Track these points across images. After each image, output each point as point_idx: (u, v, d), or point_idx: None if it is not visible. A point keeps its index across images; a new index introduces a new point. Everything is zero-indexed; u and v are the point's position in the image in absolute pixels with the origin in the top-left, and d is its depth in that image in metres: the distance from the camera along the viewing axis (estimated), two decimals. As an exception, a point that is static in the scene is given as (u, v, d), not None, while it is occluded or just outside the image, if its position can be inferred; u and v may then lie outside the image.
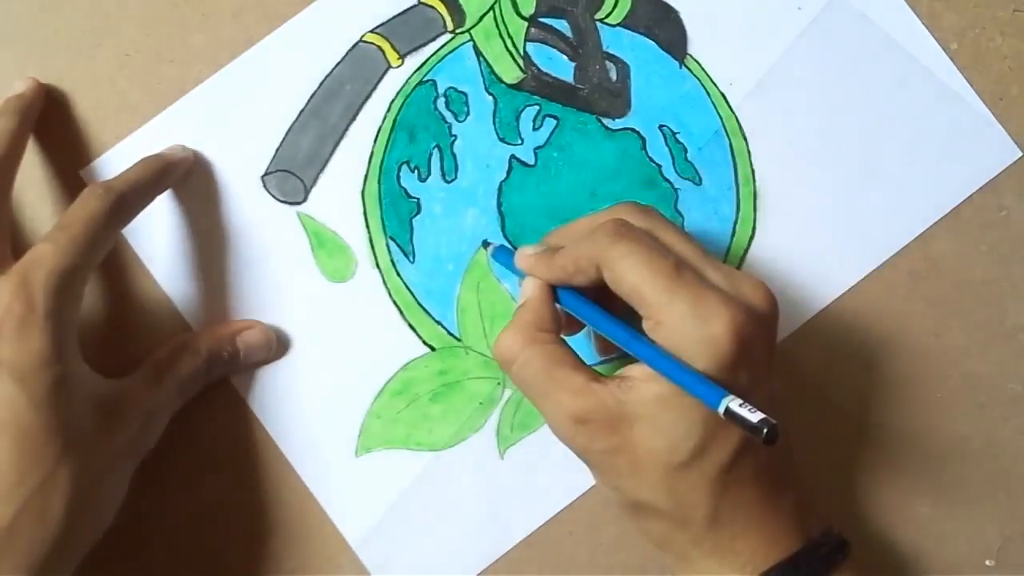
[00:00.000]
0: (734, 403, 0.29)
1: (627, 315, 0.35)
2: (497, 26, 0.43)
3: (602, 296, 0.35)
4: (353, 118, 0.43)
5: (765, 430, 0.29)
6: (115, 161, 0.42)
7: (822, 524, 0.36)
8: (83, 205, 0.36)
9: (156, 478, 0.40)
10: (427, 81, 0.43)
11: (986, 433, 0.43)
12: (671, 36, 0.44)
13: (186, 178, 0.42)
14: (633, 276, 0.33)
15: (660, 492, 0.33)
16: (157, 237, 0.42)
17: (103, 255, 0.37)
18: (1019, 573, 0.43)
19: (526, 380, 0.35)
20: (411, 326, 0.42)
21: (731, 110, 0.44)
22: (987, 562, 0.43)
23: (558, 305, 0.37)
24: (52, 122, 0.42)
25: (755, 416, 0.29)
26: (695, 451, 0.32)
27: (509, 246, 0.42)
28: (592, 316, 0.36)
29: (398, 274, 0.42)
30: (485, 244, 0.42)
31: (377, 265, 0.42)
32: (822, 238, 0.43)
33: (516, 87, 0.43)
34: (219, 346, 0.40)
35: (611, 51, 0.44)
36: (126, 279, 0.42)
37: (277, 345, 0.42)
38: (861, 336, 0.43)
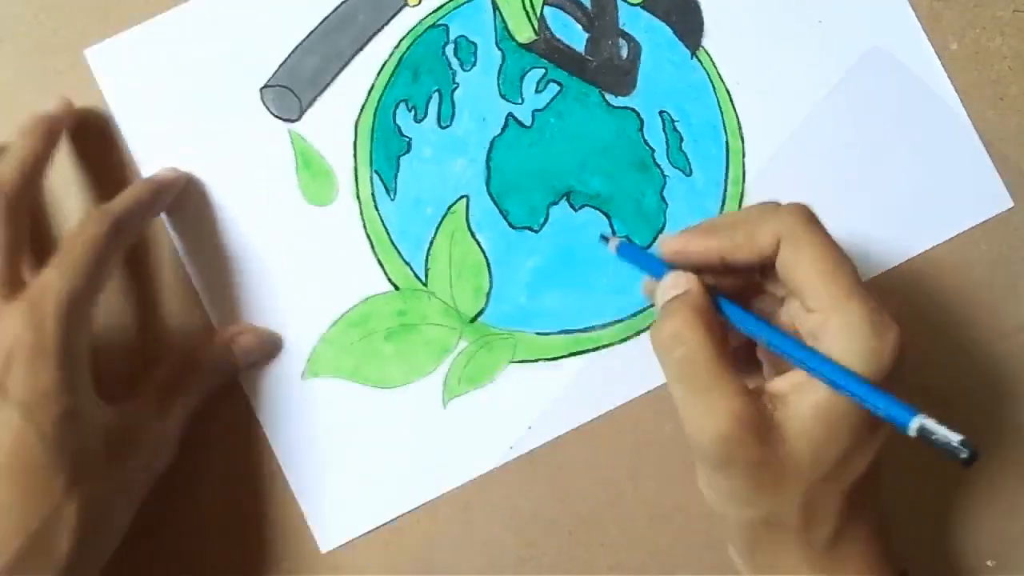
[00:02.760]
0: (929, 421, 0.28)
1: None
2: (519, -16, 0.44)
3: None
4: (360, 48, 0.43)
5: (966, 452, 0.27)
6: (121, 46, 0.42)
7: (901, 565, 0.35)
8: (82, 230, 0.36)
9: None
10: (440, 25, 0.43)
11: (986, 433, 0.43)
12: (688, 25, 0.44)
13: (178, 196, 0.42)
14: (820, 264, 0.32)
15: (795, 507, 0.32)
16: (149, 135, 0.42)
17: (108, 279, 0.37)
18: (1019, 573, 0.42)
19: (693, 367, 0.32)
20: (379, 261, 0.42)
21: (734, 109, 0.44)
22: (987, 562, 0.43)
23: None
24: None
25: (954, 436, 0.27)
26: (837, 463, 0.31)
27: (633, 241, 0.41)
28: (761, 328, 0.33)
29: (376, 208, 0.43)
30: (604, 237, 0.40)
31: (357, 196, 0.43)
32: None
33: (526, 47, 0.43)
34: (216, 358, 0.40)
35: (626, 29, 0.44)
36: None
37: (272, 344, 0.42)
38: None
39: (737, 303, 0.34)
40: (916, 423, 0.28)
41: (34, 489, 0.33)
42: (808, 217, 0.33)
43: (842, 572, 0.33)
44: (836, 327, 0.31)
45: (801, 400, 0.31)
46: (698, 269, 0.34)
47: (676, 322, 0.32)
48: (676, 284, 0.34)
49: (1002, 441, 0.43)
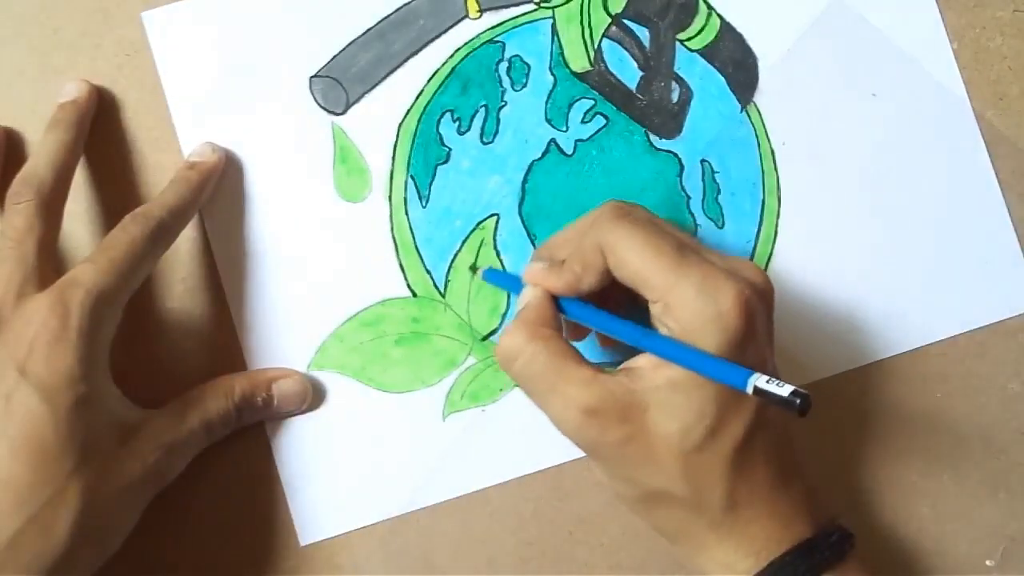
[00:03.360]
0: (760, 380, 0.29)
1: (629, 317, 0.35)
2: (581, 13, 0.43)
3: (602, 303, 0.36)
4: (415, 52, 0.43)
5: (798, 401, 0.28)
6: (180, 14, 0.42)
7: (828, 512, 0.36)
8: (124, 229, 0.37)
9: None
10: (497, 41, 0.43)
11: (986, 433, 0.43)
12: (743, 78, 0.44)
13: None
14: (637, 257, 0.33)
15: (676, 478, 0.33)
16: (193, 106, 0.42)
17: (142, 279, 0.38)
18: (1019, 573, 0.42)
19: (532, 375, 0.34)
20: (401, 266, 0.42)
21: (775, 168, 0.43)
22: (987, 562, 0.42)
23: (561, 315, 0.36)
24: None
25: (785, 390, 0.29)
26: (709, 431, 0.32)
27: (499, 268, 0.42)
28: (599, 319, 0.35)
29: (406, 213, 0.43)
30: (473, 269, 0.42)
31: (389, 198, 0.43)
32: (820, 324, 0.43)
33: (579, 76, 0.43)
34: (253, 391, 0.40)
35: (681, 73, 0.44)
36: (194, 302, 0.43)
37: (311, 397, 0.42)
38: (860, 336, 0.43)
39: (584, 300, 0.35)
40: (751, 383, 0.30)
41: (41, 468, 0.34)
42: (616, 214, 0.34)
43: (749, 533, 0.34)
44: (674, 308, 0.32)
45: (657, 375, 0.33)
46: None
47: (509, 338, 0.34)
48: (523, 298, 0.36)
49: (1002, 441, 0.43)
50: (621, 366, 0.34)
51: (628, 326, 0.34)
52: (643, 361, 0.33)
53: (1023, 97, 0.44)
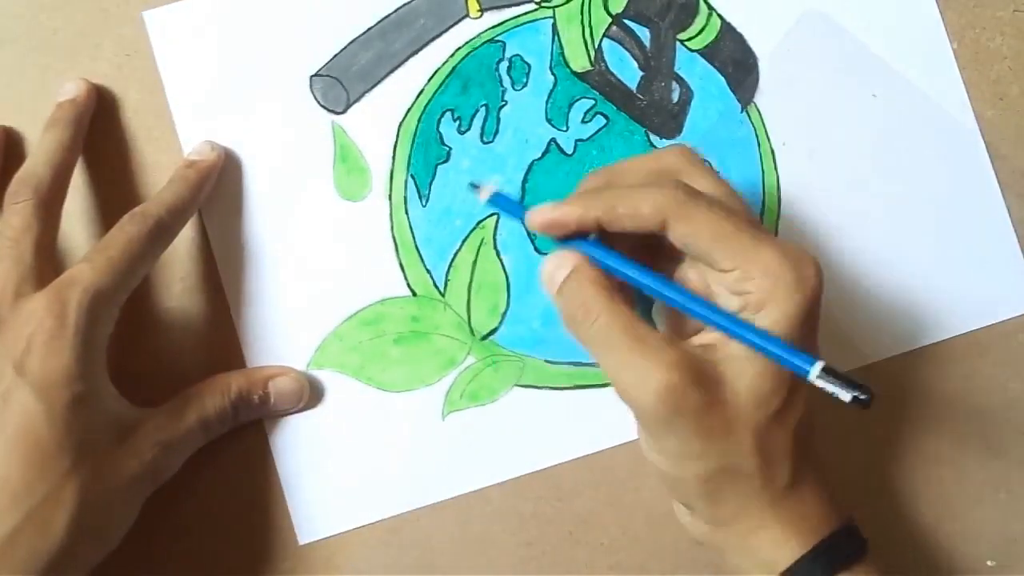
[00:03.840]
0: (821, 372, 0.30)
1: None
2: (582, 13, 0.43)
3: None
4: (416, 51, 0.43)
5: (862, 395, 0.29)
6: (181, 13, 0.42)
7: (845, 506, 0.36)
8: (122, 229, 0.38)
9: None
10: (497, 41, 0.43)
11: (986, 433, 0.43)
12: (743, 79, 0.44)
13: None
14: (716, 228, 0.32)
15: (749, 451, 0.33)
16: (194, 104, 0.42)
17: (140, 278, 0.38)
18: (1020, 573, 0.42)
19: (615, 333, 0.33)
20: (401, 265, 0.42)
21: (775, 169, 0.43)
22: (988, 562, 0.42)
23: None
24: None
25: (847, 393, 0.30)
26: (781, 406, 0.33)
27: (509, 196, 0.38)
28: (656, 284, 0.33)
29: (406, 212, 0.43)
30: (474, 185, 0.38)
31: (389, 197, 0.43)
32: (821, 324, 0.43)
33: (580, 76, 0.43)
34: (250, 389, 0.40)
35: (681, 73, 0.44)
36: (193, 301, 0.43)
37: (308, 395, 0.41)
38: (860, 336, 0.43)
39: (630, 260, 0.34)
40: (816, 368, 0.30)
41: (38, 466, 0.34)
42: (687, 192, 0.33)
43: (802, 513, 0.34)
44: (759, 275, 0.32)
45: (731, 346, 0.32)
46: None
47: (582, 298, 0.33)
48: (561, 263, 0.34)
49: (1002, 441, 0.43)
50: (693, 340, 0.34)
51: (697, 301, 0.33)
52: (712, 335, 0.33)
53: (1023, 97, 0.44)
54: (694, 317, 0.33)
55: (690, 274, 0.35)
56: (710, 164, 0.37)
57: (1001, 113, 0.44)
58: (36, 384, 0.34)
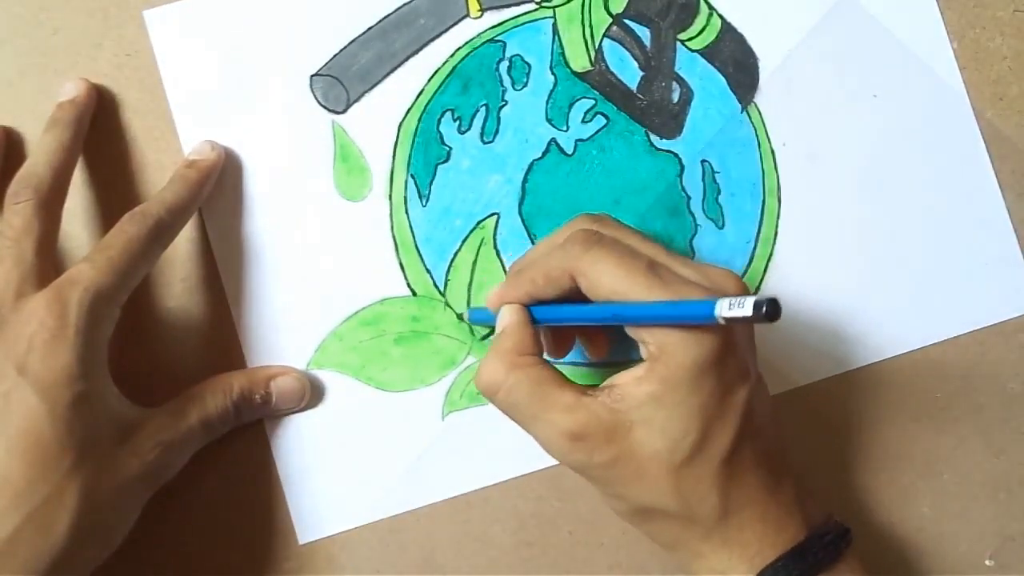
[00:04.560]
0: (723, 307, 0.29)
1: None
2: (582, 13, 0.43)
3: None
4: (416, 51, 0.43)
5: (764, 307, 0.27)
6: (181, 12, 0.42)
7: (823, 511, 0.36)
8: (122, 229, 0.38)
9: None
10: (498, 41, 0.43)
11: (986, 433, 0.43)
12: (743, 79, 0.44)
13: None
14: (611, 279, 0.33)
15: (666, 493, 0.33)
16: (194, 104, 0.42)
17: (141, 278, 0.38)
18: (1019, 573, 0.42)
19: (515, 405, 0.34)
20: (401, 264, 0.42)
21: (776, 169, 0.43)
22: (987, 562, 0.43)
23: (537, 328, 0.36)
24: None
25: (748, 301, 0.28)
26: (696, 445, 0.32)
27: (479, 307, 0.42)
28: (571, 312, 0.35)
29: (406, 212, 0.43)
30: (460, 317, 0.42)
31: (390, 197, 0.43)
32: (820, 325, 0.43)
33: (580, 76, 0.43)
34: (252, 389, 0.40)
35: (681, 73, 0.44)
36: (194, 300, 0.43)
37: (310, 394, 0.42)
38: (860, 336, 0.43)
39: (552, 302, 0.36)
40: (718, 315, 0.29)
41: (39, 467, 0.34)
42: (586, 240, 0.34)
43: (742, 540, 0.34)
44: (650, 327, 0.32)
45: (639, 391, 0.32)
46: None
47: (489, 370, 0.35)
48: (500, 322, 0.36)
49: (1002, 441, 0.43)
50: (603, 384, 0.34)
51: (602, 307, 0.34)
52: (623, 379, 0.33)
53: (1023, 97, 0.44)
54: (594, 322, 0.35)
55: None
56: (614, 218, 0.37)
57: (1001, 113, 0.44)
58: (38, 384, 0.34)
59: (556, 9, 0.43)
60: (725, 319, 0.29)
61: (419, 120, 0.43)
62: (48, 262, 0.38)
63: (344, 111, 0.43)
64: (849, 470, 0.43)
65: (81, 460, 0.34)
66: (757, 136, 0.44)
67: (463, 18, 0.43)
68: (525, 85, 0.43)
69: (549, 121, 0.43)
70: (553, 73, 0.43)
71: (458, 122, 0.43)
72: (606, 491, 0.34)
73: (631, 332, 0.34)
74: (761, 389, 0.35)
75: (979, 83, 0.44)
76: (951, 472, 0.43)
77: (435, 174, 0.43)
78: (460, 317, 0.42)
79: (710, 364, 0.32)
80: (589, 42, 0.43)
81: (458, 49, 0.43)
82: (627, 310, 0.33)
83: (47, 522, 0.34)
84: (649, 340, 0.33)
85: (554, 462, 0.42)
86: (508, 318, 0.36)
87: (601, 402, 0.33)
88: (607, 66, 0.43)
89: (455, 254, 0.43)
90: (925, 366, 0.43)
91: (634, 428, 0.32)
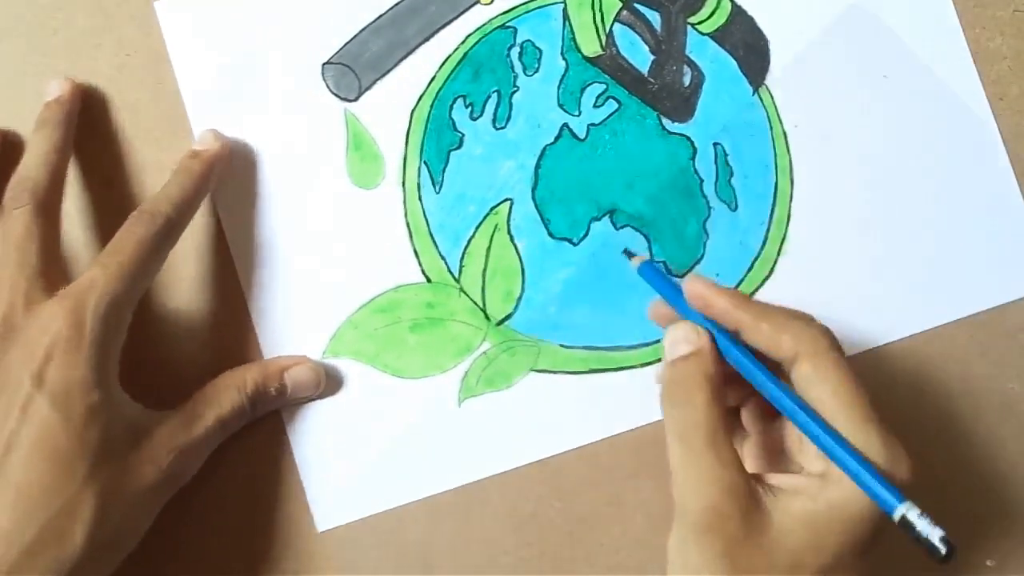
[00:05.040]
0: (912, 512, 0.29)
1: None
2: (592, -2, 0.44)
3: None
4: (427, 38, 0.43)
5: (944, 549, 0.28)
6: (188, 3, 0.42)
7: None
8: (131, 231, 0.37)
9: None
10: (508, 27, 0.43)
11: (986, 433, 0.43)
12: (754, 62, 0.44)
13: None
14: (841, 389, 0.32)
15: None
16: (205, 92, 0.42)
17: (152, 279, 0.39)
18: (1019, 573, 0.42)
19: (694, 429, 0.33)
20: (415, 251, 0.42)
21: (788, 150, 0.44)
22: (987, 562, 0.42)
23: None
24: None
25: (935, 532, 0.28)
26: (816, 572, 0.31)
27: (659, 265, 0.40)
28: (764, 381, 0.33)
29: (420, 199, 0.43)
30: (628, 252, 0.40)
31: (403, 184, 0.43)
32: (833, 305, 0.43)
33: (591, 61, 0.43)
34: (266, 382, 0.40)
35: (692, 57, 0.44)
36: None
37: (325, 382, 0.41)
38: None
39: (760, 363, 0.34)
40: (899, 512, 0.29)
41: (55, 476, 0.34)
42: (831, 342, 0.33)
43: None
44: (855, 445, 0.31)
45: (795, 501, 0.31)
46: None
47: (687, 382, 0.33)
48: (688, 339, 0.34)
49: (1002, 441, 0.43)
50: (768, 478, 0.33)
51: (805, 410, 0.32)
52: (783, 482, 0.32)
53: (1023, 97, 0.44)
54: (798, 426, 0.33)
55: None
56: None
57: (1001, 113, 0.44)
58: (54, 394, 0.34)
59: (566, -6, 0.44)
60: (899, 521, 0.29)
61: (431, 107, 0.43)
62: (54, 266, 0.38)
63: (356, 99, 0.43)
64: None
65: (97, 468, 0.34)
66: (769, 118, 0.44)
67: (474, 4, 0.43)
68: (536, 71, 0.43)
69: (561, 106, 0.43)
70: (564, 58, 0.43)
71: (470, 108, 0.43)
72: (704, 566, 0.32)
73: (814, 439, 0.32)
74: None
75: (979, 83, 0.44)
76: (951, 472, 0.43)
77: (448, 161, 0.43)
78: (628, 253, 0.40)
79: (868, 532, 0.31)
80: (600, 27, 0.44)
81: (469, 35, 0.43)
82: (827, 437, 0.31)
83: (65, 531, 0.34)
84: (832, 466, 0.31)
85: (571, 446, 0.42)
86: (706, 344, 0.34)
87: (757, 485, 0.32)
88: (618, 50, 0.44)
89: (469, 240, 0.43)
90: (925, 366, 0.43)
91: (772, 529, 0.31)
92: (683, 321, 0.35)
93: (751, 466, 0.36)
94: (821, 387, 0.32)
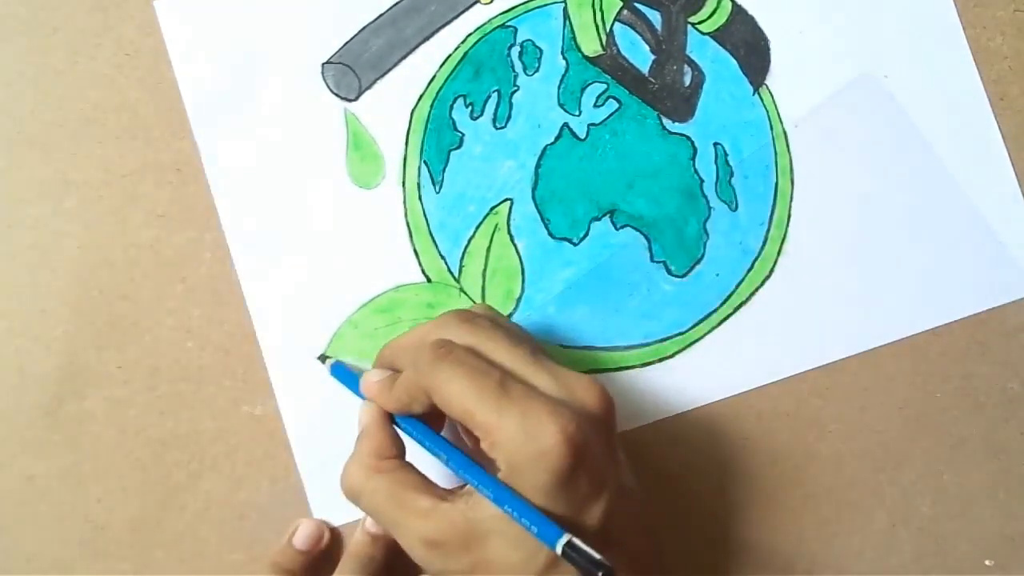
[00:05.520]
0: (562, 541, 0.29)
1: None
2: (593, -3, 0.44)
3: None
4: (427, 38, 0.43)
5: (600, 574, 0.28)
6: (187, 2, 0.42)
7: None
8: None
9: (161, 478, 0.41)
10: (508, 26, 0.43)
11: (986, 433, 0.43)
12: (755, 61, 0.44)
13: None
14: (459, 399, 0.32)
15: None
16: (205, 91, 0.42)
17: None
18: (1019, 573, 0.43)
19: (376, 511, 0.34)
20: (415, 251, 0.42)
21: (788, 150, 0.43)
22: (987, 562, 0.43)
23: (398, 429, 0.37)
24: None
25: (595, 555, 0.29)
26: (551, 558, 0.31)
27: (347, 365, 0.41)
28: (431, 444, 0.35)
29: (420, 198, 0.43)
30: (323, 358, 0.42)
31: (403, 183, 0.43)
32: (833, 305, 0.43)
33: (591, 60, 0.43)
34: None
35: (692, 56, 0.44)
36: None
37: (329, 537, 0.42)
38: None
39: (420, 420, 0.36)
40: (560, 544, 0.29)
41: None
42: (435, 355, 0.33)
43: None
44: (499, 446, 0.32)
45: (483, 502, 0.32)
46: None
47: (350, 476, 0.35)
48: (361, 420, 0.37)
49: (1002, 441, 0.43)
50: (464, 490, 0.33)
51: (457, 457, 0.34)
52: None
53: (1023, 97, 0.44)
54: (450, 468, 0.34)
55: None
56: (484, 318, 0.36)
57: (1001, 113, 0.44)
58: None
59: (566, -6, 0.43)
60: (561, 552, 0.29)
61: (431, 107, 0.43)
62: None
63: (356, 99, 0.43)
64: (850, 469, 0.43)
65: None
66: (769, 118, 0.44)
67: (474, 4, 0.43)
68: (537, 70, 0.43)
69: (561, 106, 0.43)
70: (564, 58, 0.43)
71: (470, 108, 0.43)
72: None
73: (484, 446, 0.32)
74: (625, 500, 0.33)
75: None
76: (951, 472, 0.43)
77: (448, 160, 0.43)
78: (322, 359, 0.42)
79: (561, 484, 0.31)
80: (600, 26, 0.43)
81: (469, 35, 0.43)
82: (479, 479, 0.32)
83: None
84: (500, 463, 0.32)
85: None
86: (367, 419, 0.36)
87: (459, 510, 0.32)
88: (618, 50, 0.43)
89: (469, 240, 0.43)
90: (925, 365, 0.43)
91: (490, 538, 0.32)
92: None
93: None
94: (449, 404, 0.33)
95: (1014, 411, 0.43)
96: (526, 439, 0.31)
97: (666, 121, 0.43)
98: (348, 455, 0.41)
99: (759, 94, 0.44)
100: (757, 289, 0.43)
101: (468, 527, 0.32)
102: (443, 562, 0.33)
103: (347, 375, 0.40)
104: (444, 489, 0.34)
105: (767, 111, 0.44)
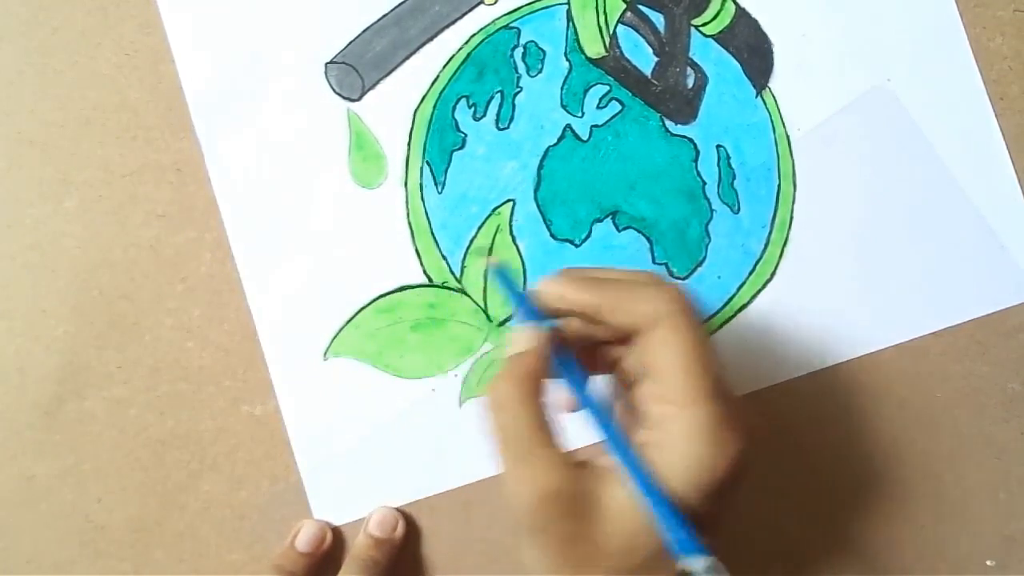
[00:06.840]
0: (699, 563, 0.28)
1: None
2: (596, -1, 0.44)
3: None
4: (430, 38, 0.43)
5: None
6: (192, 2, 0.42)
7: None
8: None
9: (161, 478, 0.41)
10: (512, 27, 0.43)
11: (986, 433, 0.43)
12: (758, 64, 0.44)
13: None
14: (687, 357, 0.30)
15: None
16: (208, 88, 0.42)
17: None
18: (1019, 573, 0.43)
19: (507, 437, 0.32)
20: (417, 252, 0.42)
21: (790, 154, 0.44)
22: (987, 562, 0.43)
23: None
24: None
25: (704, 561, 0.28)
26: (649, 558, 0.30)
27: (513, 268, 0.40)
28: (589, 405, 0.32)
29: (422, 199, 0.43)
30: (488, 253, 0.41)
31: (405, 184, 0.43)
32: (835, 308, 0.43)
33: (594, 62, 0.43)
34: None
35: (696, 59, 0.44)
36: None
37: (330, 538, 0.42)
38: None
39: (585, 374, 0.33)
40: (693, 564, 0.28)
41: None
42: (687, 305, 0.31)
43: None
44: (680, 427, 0.30)
45: (623, 486, 0.31)
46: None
47: (504, 387, 0.32)
48: (519, 341, 0.33)
49: (1002, 441, 0.43)
50: (592, 460, 0.32)
51: (616, 434, 0.31)
52: (609, 462, 0.31)
53: (1023, 97, 0.44)
54: (602, 439, 0.32)
55: (635, 396, 0.33)
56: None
57: (1001, 113, 0.44)
58: None
59: (570, -5, 0.43)
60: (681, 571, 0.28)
61: (434, 107, 0.43)
62: None
63: (359, 99, 0.43)
64: (850, 468, 0.43)
65: None
66: (772, 121, 0.44)
67: (477, 4, 0.43)
68: (540, 71, 0.43)
69: (564, 107, 0.43)
70: (568, 59, 0.43)
71: (473, 109, 0.43)
72: (542, 564, 0.32)
73: (657, 410, 0.31)
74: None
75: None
76: (951, 472, 0.43)
77: (450, 161, 0.43)
78: (490, 252, 0.41)
79: (704, 497, 0.30)
80: (603, 28, 0.43)
81: (473, 35, 0.43)
82: (631, 464, 0.30)
83: None
84: (660, 438, 0.30)
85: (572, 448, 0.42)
86: (534, 345, 0.33)
87: (585, 477, 0.31)
88: (621, 52, 0.43)
89: (471, 240, 0.43)
90: (925, 365, 0.43)
91: (603, 519, 0.30)
92: (511, 333, 0.34)
93: (624, 422, 0.34)
94: (667, 354, 0.30)
95: (1014, 411, 0.44)
96: (708, 441, 0.30)
97: (669, 123, 0.43)
98: (348, 455, 0.41)
99: (762, 97, 0.44)
100: (759, 292, 0.43)
101: (591, 499, 0.30)
102: (546, 521, 0.30)
103: (508, 282, 0.36)
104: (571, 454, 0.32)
105: (770, 114, 0.44)
